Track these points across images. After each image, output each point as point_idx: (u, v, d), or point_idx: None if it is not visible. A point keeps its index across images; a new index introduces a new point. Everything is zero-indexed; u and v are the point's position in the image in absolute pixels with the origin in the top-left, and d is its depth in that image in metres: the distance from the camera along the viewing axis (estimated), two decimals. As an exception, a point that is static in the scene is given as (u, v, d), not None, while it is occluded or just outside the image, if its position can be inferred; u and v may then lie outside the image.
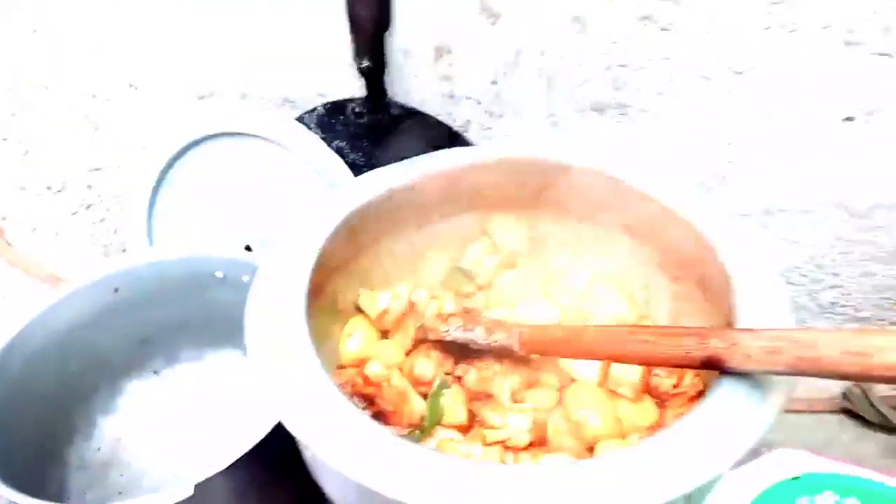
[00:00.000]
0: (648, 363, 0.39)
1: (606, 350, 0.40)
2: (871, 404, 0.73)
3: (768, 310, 0.40)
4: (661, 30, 0.60)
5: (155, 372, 0.71)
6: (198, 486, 0.46)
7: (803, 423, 0.75)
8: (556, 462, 0.41)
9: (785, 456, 0.57)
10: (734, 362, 0.33)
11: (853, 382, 0.75)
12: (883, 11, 0.56)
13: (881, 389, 0.75)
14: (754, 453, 0.57)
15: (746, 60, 0.61)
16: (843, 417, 0.75)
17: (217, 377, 0.72)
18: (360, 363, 0.51)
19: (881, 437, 0.72)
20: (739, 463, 0.32)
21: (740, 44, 0.60)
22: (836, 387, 0.76)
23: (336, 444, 0.33)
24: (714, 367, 0.35)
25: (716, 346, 0.34)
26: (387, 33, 0.63)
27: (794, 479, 0.56)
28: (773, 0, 0.57)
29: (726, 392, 0.34)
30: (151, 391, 0.70)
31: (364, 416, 0.35)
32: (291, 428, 0.35)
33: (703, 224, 0.47)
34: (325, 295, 0.51)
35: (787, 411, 0.75)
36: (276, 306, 0.41)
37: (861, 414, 0.73)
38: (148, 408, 0.69)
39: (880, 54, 0.58)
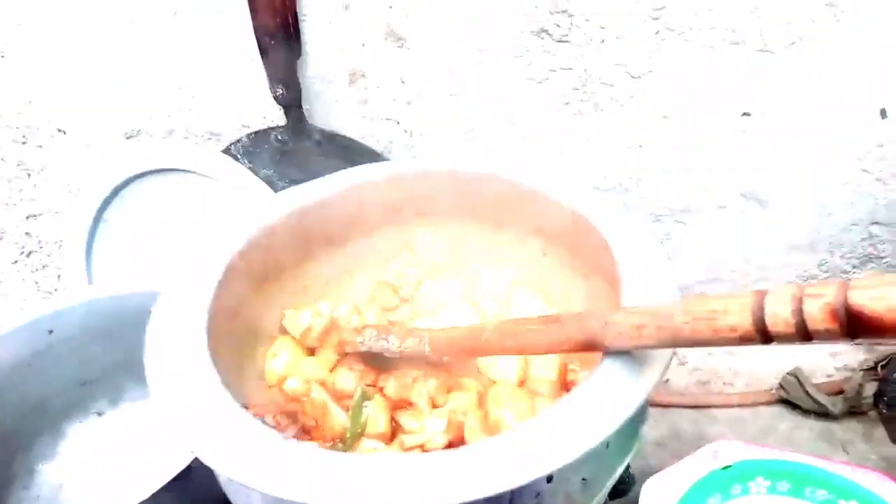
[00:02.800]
0: (539, 351, 0.40)
1: (503, 344, 0.42)
2: (806, 392, 0.75)
3: (655, 294, 0.42)
4: (558, 42, 0.63)
5: (98, 413, 0.70)
6: (122, 517, 0.46)
7: (741, 416, 0.76)
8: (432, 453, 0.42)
9: (719, 447, 0.59)
10: (609, 340, 0.35)
11: (788, 371, 0.77)
12: (761, 9, 0.60)
13: (815, 377, 0.77)
14: (693, 448, 0.59)
15: (642, 65, 0.64)
16: (780, 408, 0.77)
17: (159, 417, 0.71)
18: (283, 382, 0.52)
19: (817, 424, 0.74)
20: (614, 434, 0.33)
21: (634, 50, 0.63)
22: (773, 378, 0.78)
23: (242, 461, 0.33)
24: (594, 347, 0.37)
25: (592, 326, 0.36)
26: (298, 61, 0.65)
27: (726, 468, 0.57)
28: (656, 6, 0.60)
29: (606, 370, 0.36)
30: (95, 433, 0.69)
31: (264, 428, 0.36)
32: (195, 450, 0.34)
33: (599, 222, 0.49)
34: (245, 315, 0.52)
35: (726, 406, 0.77)
36: (177, 332, 0.42)
37: (796, 402, 0.75)
38: (91, 451, 0.68)
39: (761, 51, 0.62)
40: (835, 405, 0.73)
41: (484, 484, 0.31)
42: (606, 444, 0.38)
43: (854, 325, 0.26)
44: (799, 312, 0.28)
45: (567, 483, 0.36)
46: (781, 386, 0.76)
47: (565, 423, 0.33)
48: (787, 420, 0.75)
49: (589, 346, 0.37)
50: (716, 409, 0.76)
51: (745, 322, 0.29)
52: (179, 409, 0.36)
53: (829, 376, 0.78)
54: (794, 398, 0.75)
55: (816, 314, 0.27)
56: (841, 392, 0.74)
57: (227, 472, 0.32)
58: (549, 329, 0.38)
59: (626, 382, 0.35)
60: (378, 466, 0.32)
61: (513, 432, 0.34)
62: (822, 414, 0.74)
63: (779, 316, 0.28)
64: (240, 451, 0.33)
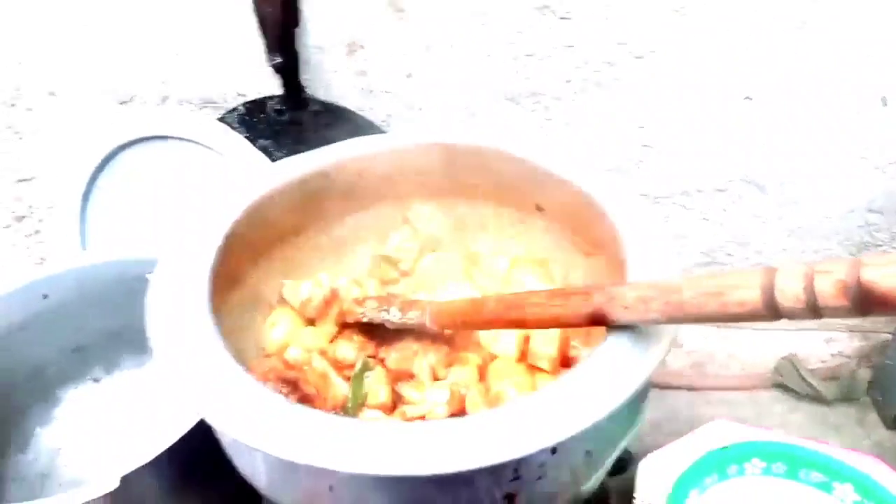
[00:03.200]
0: (544, 325, 0.40)
1: (506, 316, 0.42)
2: (801, 377, 0.75)
3: (659, 273, 0.42)
4: (561, 19, 0.62)
5: (94, 380, 0.70)
6: (124, 479, 0.46)
7: (737, 399, 0.77)
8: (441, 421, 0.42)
9: (716, 428, 0.59)
10: (615, 314, 0.35)
11: (783, 356, 0.78)
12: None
13: (810, 362, 0.78)
14: (689, 429, 0.59)
15: (645, 45, 0.63)
16: (775, 392, 0.78)
17: (159, 384, 0.70)
18: (283, 351, 0.52)
19: (811, 409, 0.75)
20: (617, 408, 0.33)
21: (637, 29, 0.63)
22: (768, 362, 0.79)
23: (244, 421, 0.33)
24: (599, 321, 0.37)
25: (598, 301, 0.36)
26: (296, 30, 0.64)
27: (723, 448, 0.58)
28: (663, -15, 0.60)
29: (611, 344, 0.36)
30: (90, 400, 0.69)
31: (270, 392, 0.36)
32: (200, 411, 0.34)
33: (604, 200, 0.49)
34: (245, 284, 0.52)
35: (721, 388, 0.78)
36: (178, 295, 0.41)
37: (792, 387, 0.76)
38: (87, 417, 0.68)
39: (765, 35, 0.61)
40: (829, 390, 0.74)
41: (489, 452, 0.31)
42: (610, 419, 0.38)
43: (865, 300, 0.26)
44: (810, 288, 0.28)
45: (571, 455, 0.36)
46: (777, 370, 0.77)
47: (572, 395, 0.33)
48: (781, 404, 0.76)
49: (594, 320, 0.37)
50: (711, 391, 0.77)
51: (754, 297, 0.29)
52: (185, 372, 0.36)
53: (823, 362, 0.79)
54: (788, 383, 0.76)
55: (827, 290, 0.27)
56: (835, 378, 0.75)
57: (234, 434, 0.32)
58: (554, 302, 0.38)
59: (631, 356, 0.35)
60: (384, 431, 0.32)
61: (519, 402, 0.34)
62: (817, 399, 0.75)
63: (789, 291, 0.28)
64: (247, 414, 0.33)
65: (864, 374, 0.73)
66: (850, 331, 0.80)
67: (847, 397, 0.74)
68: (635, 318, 0.35)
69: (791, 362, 0.76)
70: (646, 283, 0.34)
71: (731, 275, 0.31)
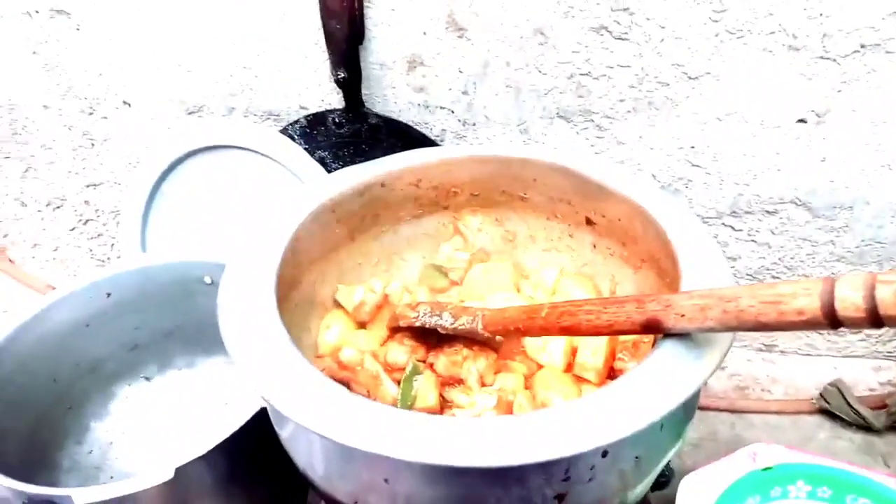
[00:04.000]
0: (598, 332, 0.41)
1: (560, 324, 0.42)
2: (848, 403, 0.74)
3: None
4: (617, 39, 0.64)
5: (146, 378, 0.73)
6: (178, 470, 0.48)
7: (781, 424, 0.76)
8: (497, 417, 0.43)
9: (759, 449, 0.59)
10: (670, 322, 0.36)
11: (829, 382, 0.76)
12: (824, 15, 0.60)
13: (857, 389, 0.77)
14: (729, 451, 0.59)
15: (700, 66, 0.64)
16: (820, 418, 0.76)
17: (209, 384, 0.73)
18: (337, 352, 0.53)
19: (857, 437, 0.74)
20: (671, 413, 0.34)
21: (692, 50, 0.63)
22: (813, 388, 0.78)
23: (309, 408, 0.35)
24: (654, 329, 0.37)
25: (653, 308, 0.37)
26: (360, 47, 0.67)
27: (766, 469, 0.57)
28: (717, 8, 0.61)
29: (666, 351, 0.37)
30: (143, 397, 0.72)
31: (333, 383, 0.37)
32: (267, 397, 0.36)
33: (657, 215, 0.50)
34: (302, 287, 0.54)
35: (765, 412, 0.77)
36: (247, 293, 0.43)
37: (838, 413, 0.75)
38: (140, 413, 0.71)
39: (821, 58, 0.62)
40: (877, 419, 0.73)
41: (543, 448, 0.32)
42: (661, 425, 0.39)
43: (927, 310, 0.27)
44: (871, 298, 0.28)
45: (621, 459, 0.37)
46: (822, 396, 0.76)
47: (624, 399, 0.34)
48: (826, 430, 0.75)
49: (649, 328, 0.37)
50: (753, 414, 0.76)
51: (813, 306, 0.30)
52: (254, 364, 0.37)
53: (871, 390, 0.78)
54: (834, 409, 0.75)
55: (889, 299, 0.28)
56: (884, 406, 0.74)
57: (299, 419, 0.33)
58: (608, 310, 0.39)
59: (685, 363, 0.36)
60: (442, 424, 0.33)
61: (572, 404, 0.34)
62: (864, 427, 0.73)
63: (849, 300, 0.29)
64: (311, 402, 0.34)
65: (916, 404, 0.72)
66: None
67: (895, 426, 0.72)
68: (691, 326, 0.35)
69: (838, 388, 0.75)
70: (704, 292, 0.35)
71: (789, 283, 0.32)
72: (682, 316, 0.35)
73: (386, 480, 0.36)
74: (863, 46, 0.61)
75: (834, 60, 0.62)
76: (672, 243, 0.45)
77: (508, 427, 0.33)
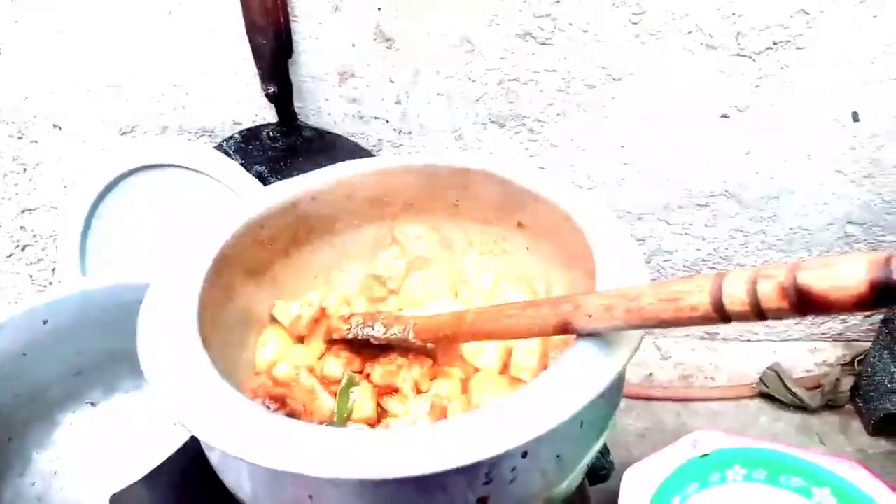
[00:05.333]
0: (518, 335, 0.42)
1: (485, 329, 0.43)
2: (785, 386, 0.77)
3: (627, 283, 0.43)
4: (542, 44, 0.65)
5: (92, 403, 0.71)
6: (112, 498, 0.47)
7: (722, 410, 0.79)
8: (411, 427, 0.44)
9: (698, 436, 0.61)
10: (580, 322, 0.37)
11: (768, 366, 0.79)
12: (736, 15, 0.62)
13: (794, 372, 0.79)
14: (675, 440, 0.60)
15: (623, 67, 0.66)
16: (760, 402, 0.79)
17: (158, 406, 0.72)
18: (273, 367, 0.53)
19: (796, 417, 0.76)
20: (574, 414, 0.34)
21: (615, 52, 0.65)
22: (755, 373, 0.80)
23: (227, 432, 0.34)
24: (567, 330, 0.38)
25: (565, 310, 0.38)
26: (290, 60, 0.67)
27: (704, 456, 0.59)
28: (635, 11, 0.62)
29: (578, 351, 0.38)
30: (88, 423, 0.70)
31: (253, 405, 0.37)
32: (188, 426, 0.36)
33: (578, 216, 0.51)
34: (235, 305, 0.54)
35: (708, 399, 0.79)
36: (168, 315, 0.43)
37: (777, 396, 0.77)
38: (84, 440, 0.69)
39: (738, 55, 0.64)
40: (813, 399, 0.75)
41: (458, 454, 0.32)
42: (581, 423, 0.40)
43: (802, 302, 0.28)
44: (753, 292, 0.29)
45: (542, 459, 0.38)
46: (761, 380, 0.79)
47: (538, 400, 0.35)
48: (766, 413, 0.77)
49: (563, 329, 0.38)
50: (698, 402, 0.79)
51: (704, 302, 0.31)
52: (172, 389, 0.37)
53: (807, 371, 0.80)
54: (773, 392, 0.77)
55: (769, 293, 0.29)
56: (819, 386, 0.77)
57: (217, 444, 0.33)
58: (527, 313, 0.40)
59: (596, 362, 0.37)
60: (359, 437, 0.34)
61: (487, 408, 0.35)
62: (801, 407, 0.76)
63: (735, 296, 0.30)
64: (229, 426, 0.34)
65: (847, 382, 0.74)
66: (834, 340, 0.81)
67: (830, 405, 0.75)
68: (600, 326, 0.36)
69: (775, 372, 0.77)
70: (609, 292, 0.36)
71: (685, 281, 0.33)
72: (591, 316, 0.36)
73: (310, 497, 0.36)
74: (775, 43, 0.63)
75: (749, 57, 0.64)
76: (589, 244, 0.47)
77: (424, 436, 0.34)
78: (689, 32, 0.63)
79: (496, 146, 0.72)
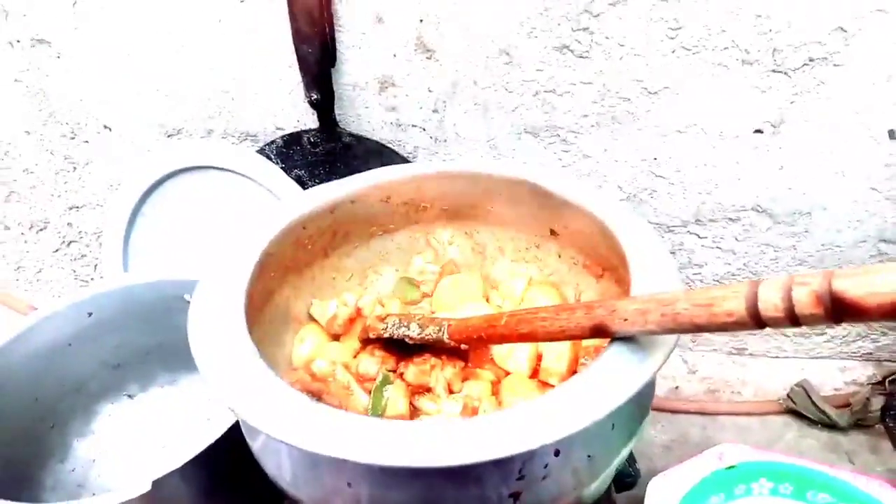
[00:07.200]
0: (552, 338, 0.43)
1: (518, 331, 0.44)
2: (814, 403, 0.76)
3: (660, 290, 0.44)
4: (579, 57, 0.66)
5: (129, 396, 0.74)
6: (155, 483, 0.49)
7: (749, 425, 0.78)
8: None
9: (725, 449, 0.61)
10: (615, 326, 0.38)
11: (796, 383, 0.79)
12: (773, 31, 0.63)
13: (823, 390, 0.79)
14: (700, 452, 0.61)
15: (658, 81, 0.67)
16: (788, 418, 0.78)
17: (191, 400, 0.75)
18: (310, 364, 0.55)
19: (823, 435, 0.76)
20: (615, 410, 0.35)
21: (650, 66, 0.66)
22: (781, 389, 0.80)
23: (272, 417, 0.36)
24: (601, 333, 0.39)
25: (600, 314, 0.39)
26: (333, 69, 0.70)
27: (730, 468, 0.59)
28: (672, 26, 0.63)
29: (613, 354, 0.39)
30: (126, 414, 0.73)
31: (296, 393, 0.39)
32: (233, 407, 0.37)
33: (613, 225, 0.52)
34: (276, 303, 0.56)
35: (735, 414, 0.79)
36: (217, 309, 0.45)
37: (804, 413, 0.77)
38: (122, 431, 0.72)
39: (773, 71, 0.64)
40: (842, 417, 0.75)
41: (494, 447, 0.34)
42: (612, 425, 0.41)
43: (837, 309, 0.29)
44: (788, 299, 0.30)
45: (573, 458, 0.39)
46: (789, 397, 0.78)
47: (572, 399, 0.36)
48: (793, 430, 0.77)
49: (597, 332, 0.39)
50: (724, 416, 0.78)
51: (740, 307, 0.32)
52: (221, 376, 0.39)
53: (836, 389, 0.80)
54: (801, 409, 0.77)
55: (804, 300, 0.30)
56: (848, 405, 0.76)
57: (262, 428, 0.35)
58: (561, 316, 0.41)
59: (630, 365, 0.38)
60: (398, 428, 0.35)
61: (523, 405, 0.36)
62: (829, 426, 0.75)
63: (770, 302, 0.31)
64: (274, 412, 0.36)
65: (878, 402, 0.74)
66: (864, 359, 0.81)
67: (860, 424, 0.74)
68: (633, 330, 0.38)
69: (804, 389, 0.77)
70: (645, 297, 0.37)
71: (721, 287, 0.34)
72: (626, 320, 0.37)
73: (349, 484, 0.38)
74: (811, 60, 0.64)
75: (785, 73, 0.65)
76: (625, 252, 0.48)
77: (461, 428, 0.35)
78: (726, 48, 0.64)
79: (530, 156, 0.74)
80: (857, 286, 0.28)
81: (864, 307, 0.28)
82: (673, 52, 0.65)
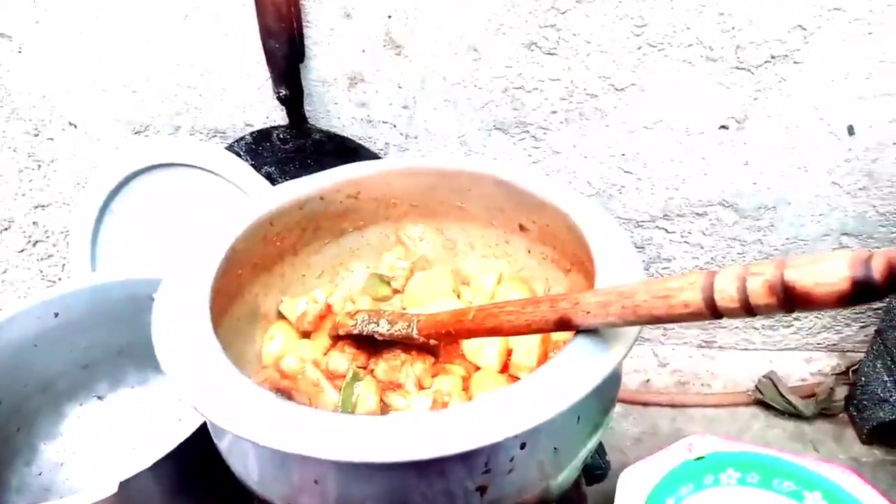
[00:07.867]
0: (518, 332, 0.43)
1: (485, 326, 0.45)
2: (780, 394, 0.78)
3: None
4: (547, 54, 0.67)
5: (98, 397, 0.73)
6: (122, 484, 0.49)
7: (718, 416, 0.80)
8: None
9: (693, 440, 0.62)
10: (578, 319, 0.38)
11: (763, 374, 0.80)
12: (736, 29, 0.64)
13: (789, 381, 0.80)
14: (670, 444, 0.62)
15: (625, 78, 0.68)
16: (755, 409, 0.80)
17: (161, 400, 0.74)
18: (279, 361, 0.55)
19: (790, 425, 0.78)
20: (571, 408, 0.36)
21: (617, 63, 0.67)
22: (750, 381, 0.81)
23: (237, 416, 0.36)
24: (566, 326, 0.40)
25: (564, 307, 0.39)
26: (301, 65, 0.69)
27: (698, 459, 0.60)
28: (638, 24, 0.64)
29: (576, 347, 0.39)
30: (95, 416, 0.72)
31: (260, 390, 0.39)
32: (200, 409, 0.37)
33: (579, 220, 0.52)
34: (244, 300, 0.56)
35: (703, 406, 0.81)
36: (181, 306, 0.45)
37: (772, 404, 0.79)
38: (92, 432, 0.71)
39: (737, 68, 0.66)
40: (807, 407, 0.76)
41: (461, 441, 0.34)
42: (577, 417, 0.41)
43: (789, 298, 0.29)
44: (743, 290, 0.31)
45: (539, 451, 0.39)
46: (757, 388, 0.80)
47: (536, 391, 0.36)
48: (761, 420, 0.78)
49: (561, 325, 0.40)
50: (693, 408, 0.80)
51: (696, 299, 0.33)
52: (185, 375, 0.39)
53: (802, 380, 0.82)
54: (768, 400, 0.78)
55: (758, 290, 0.30)
56: (813, 395, 0.78)
57: (226, 426, 0.35)
58: (526, 310, 0.41)
59: (593, 357, 0.38)
60: (366, 423, 0.35)
61: (488, 398, 0.37)
62: (795, 415, 0.77)
63: (725, 292, 0.31)
64: (239, 410, 0.36)
65: (842, 391, 0.76)
66: (829, 350, 0.83)
67: (825, 414, 0.76)
68: (596, 322, 0.38)
69: (771, 380, 0.78)
70: (606, 290, 0.38)
71: (678, 278, 0.34)
72: (588, 313, 0.38)
73: (316, 481, 0.38)
74: (773, 57, 0.65)
75: (748, 70, 0.66)
76: (589, 245, 0.48)
77: (425, 423, 0.35)
78: (690, 45, 0.65)
79: (500, 152, 0.74)
80: (807, 276, 0.29)
81: (813, 297, 0.29)
82: (639, 48, 0.66)
